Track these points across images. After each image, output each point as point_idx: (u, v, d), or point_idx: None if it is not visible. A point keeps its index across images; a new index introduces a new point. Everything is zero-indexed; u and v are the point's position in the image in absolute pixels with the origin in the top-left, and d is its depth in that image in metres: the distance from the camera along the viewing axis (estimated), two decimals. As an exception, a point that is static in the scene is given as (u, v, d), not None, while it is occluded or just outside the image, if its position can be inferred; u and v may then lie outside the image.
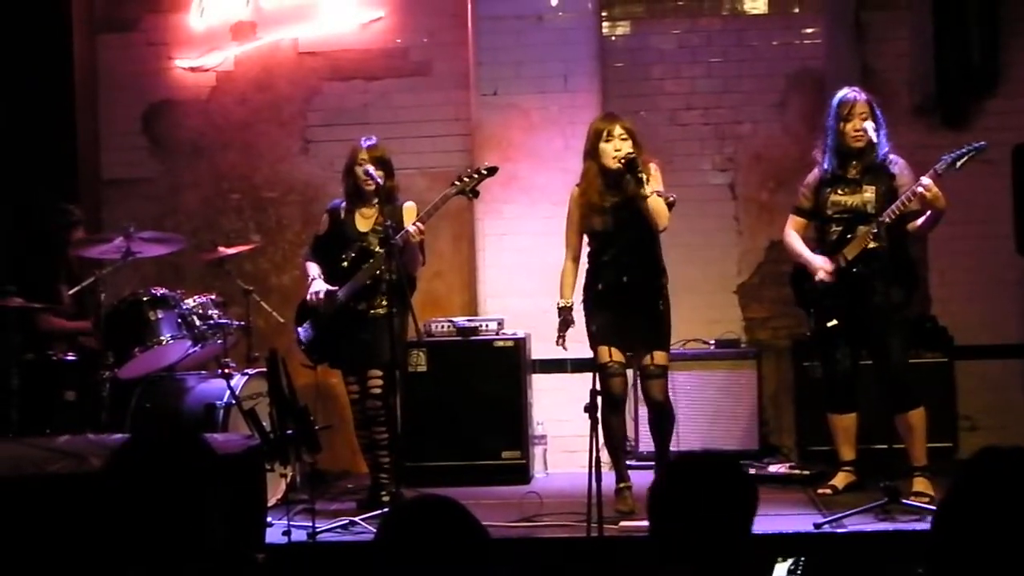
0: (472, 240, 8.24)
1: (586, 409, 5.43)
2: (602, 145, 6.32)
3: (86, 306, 7.36)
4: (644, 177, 6.16)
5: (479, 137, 8.18)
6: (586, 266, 6.47)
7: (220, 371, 6.83)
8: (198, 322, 7.00)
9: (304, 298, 6.75)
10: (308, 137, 8.56)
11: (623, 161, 6.22)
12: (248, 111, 8.60)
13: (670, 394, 6.49)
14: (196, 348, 7.06)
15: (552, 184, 7.86)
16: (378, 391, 6.51)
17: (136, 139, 8.65)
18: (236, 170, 8.63)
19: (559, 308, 6.39)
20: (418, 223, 6.38)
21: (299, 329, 6.81)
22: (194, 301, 7.09)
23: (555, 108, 8.08)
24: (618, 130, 6.31)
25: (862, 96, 6.44)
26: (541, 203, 7.98)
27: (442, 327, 7.66)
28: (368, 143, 6.66)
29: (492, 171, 6.48)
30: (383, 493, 6.52)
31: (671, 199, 6.27)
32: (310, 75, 8.55)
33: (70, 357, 6.90)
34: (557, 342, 6.34)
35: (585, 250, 6.50)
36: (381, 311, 6.41)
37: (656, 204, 6.17)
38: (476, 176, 6.44)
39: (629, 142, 6.29)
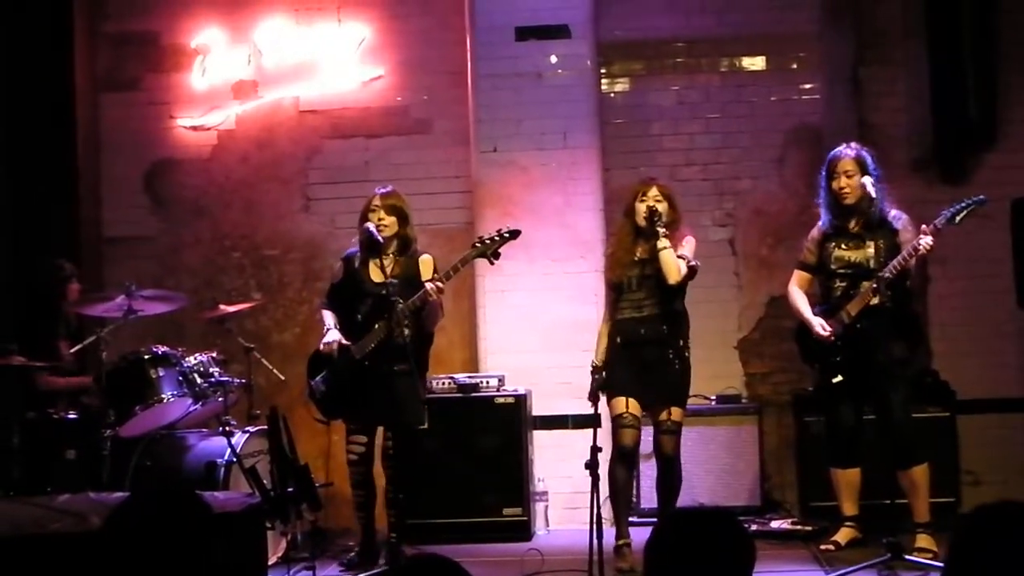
0: (473, 296, 8.22)
1: (587, 466, 5.45)
2: (636, 204, 6.45)
3: (87, 364, 7.38)
4: (663, 231, 6.27)
5: (479, 194, 8.21)
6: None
7: (221, 429, 6.80)
8: (199, 380, 6.99)
9: (317, 348, 6.68)
10: (309, 195, 8.61)
11: (646, 214, 6.31)
12: (249, 169, 8.65)
13: (675, 451, 6.48)
14: (197, 406, 7.04)
15: (552, 240, 7.95)
16: (393, 452, 6.45)
17: (138, 197, 8.70)
18: (237, 228, 8.67)
19: (591, 368, 6.27)
20: (436, 282, 6.33)
21: (312, 382, 6.73)
22: (195, 359, 7.07)
23: (555, 164, 8.12)
24: (653, 192, 6.44)
25: (850, 153, 6.48)
26: (541, 260, 8.03)
27: (443, 384, 7.66)
28: (383, 191, 6.65)
29: (515, 234, 6.42)
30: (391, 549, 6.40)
31: (692, 263, 6.34)
32: (311, 133, 8.61)
33: (71, 416, 6.86)
34: (589, 399, 6.09)
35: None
36: (405, 368, 6.31)
37: (668, 257, 6.25)
38: (498, 239, 6.37)
39: (664, 204, 6.39)
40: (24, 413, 6.73)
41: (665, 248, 6.25)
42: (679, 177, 8.25)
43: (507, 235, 6.37)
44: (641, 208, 6.38)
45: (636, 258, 6.40)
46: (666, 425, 6.31)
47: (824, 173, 6.49)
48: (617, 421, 6.20)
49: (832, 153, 6.50)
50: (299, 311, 8.57)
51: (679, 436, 6.37)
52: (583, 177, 8.02)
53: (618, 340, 6.39)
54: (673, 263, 6.25)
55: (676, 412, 6.32)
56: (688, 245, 6.40)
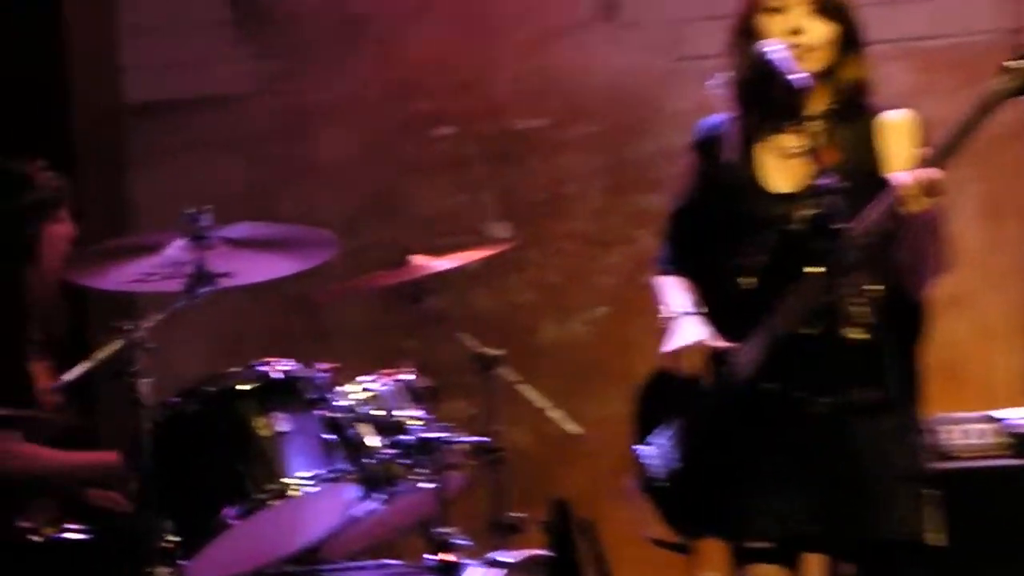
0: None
1: None
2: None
3: (97, 412, 7.84)
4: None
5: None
6: None
7: (435, 559, 6.60)
8: (374, 441, 6.57)
9: (655, 374, 6.20)
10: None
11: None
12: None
13: None
14: (375, 503, 6.68)
15: None
16: None
17: (203, 6, 9.24)
18: (433, 69, 9.01)
19: None
20: (923, 170, 5.60)
21: (643, 450, 6.20)
22: (359, 388, 6.75)
23: None
24: None
25: None
26: None
27: (974, 433, 7.60)
28: None
29: None
30: None
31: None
32: None
33: (77, 537, 6.66)
34: None
35: None
36: (876, 398, 5.80)
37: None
38: None
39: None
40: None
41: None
42: None
43: None
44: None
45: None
46: None
47: None
48: None
49: None
50: (603, 266, 8.82)
51: None
52: None
53: None
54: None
55: None
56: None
